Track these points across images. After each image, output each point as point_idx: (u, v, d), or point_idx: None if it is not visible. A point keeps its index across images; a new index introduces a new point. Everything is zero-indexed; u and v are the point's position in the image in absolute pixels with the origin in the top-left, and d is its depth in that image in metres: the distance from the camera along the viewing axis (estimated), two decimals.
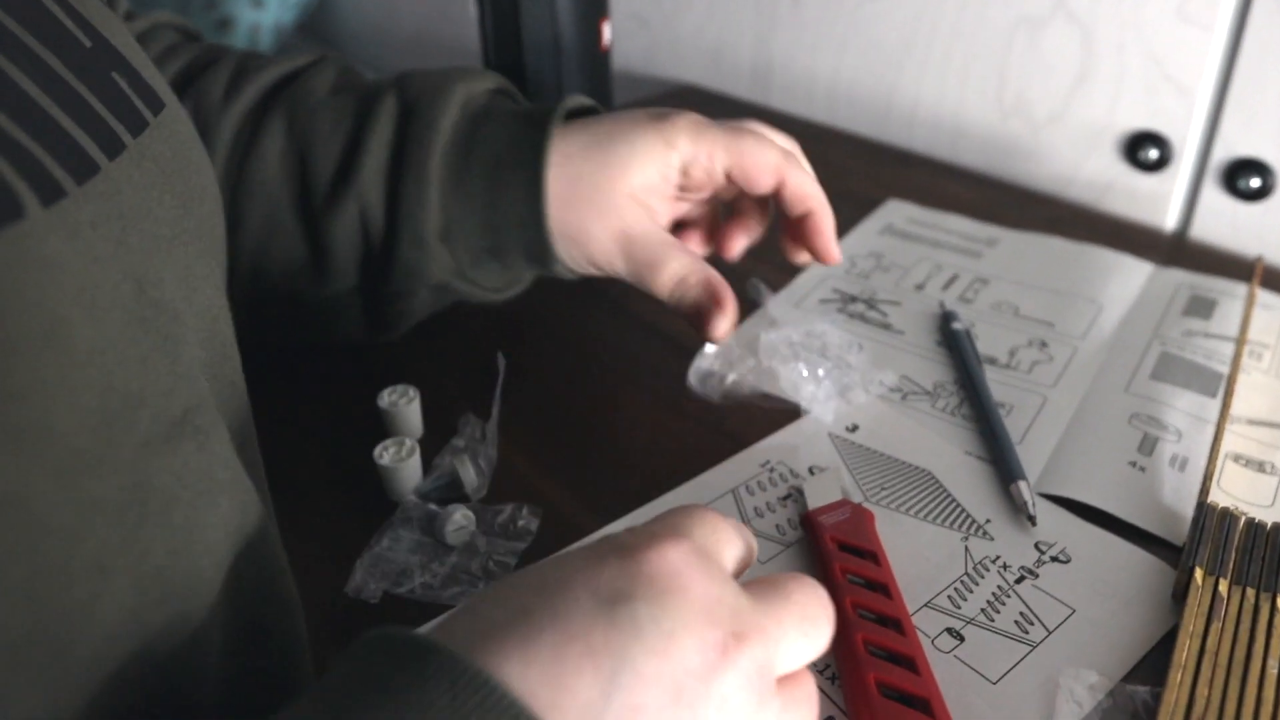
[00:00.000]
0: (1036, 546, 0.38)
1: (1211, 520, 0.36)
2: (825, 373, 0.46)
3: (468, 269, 0.44)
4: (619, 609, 0.22)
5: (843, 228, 0.63)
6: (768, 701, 0.23)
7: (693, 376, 0.47)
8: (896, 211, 0.65)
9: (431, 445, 0.45)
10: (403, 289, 0.45)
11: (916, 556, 0.38)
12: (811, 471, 0.42)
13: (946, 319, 0.51)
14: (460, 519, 0.38)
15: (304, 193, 0.43)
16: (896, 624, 0.34)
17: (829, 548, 0.37)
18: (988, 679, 0.33)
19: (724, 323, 0.42)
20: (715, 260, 0.46)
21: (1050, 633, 0.35)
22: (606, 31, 0.66)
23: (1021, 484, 0.40)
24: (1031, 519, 0.39)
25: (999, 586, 0.37)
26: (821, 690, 0.33)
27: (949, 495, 0.41)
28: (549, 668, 0.21)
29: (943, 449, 0.43)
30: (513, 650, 0.21)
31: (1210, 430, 0.44)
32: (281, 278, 0.44)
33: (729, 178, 0.43)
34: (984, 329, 0.52)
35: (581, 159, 0.42)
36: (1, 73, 0.22)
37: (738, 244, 0.48)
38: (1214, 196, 0.62)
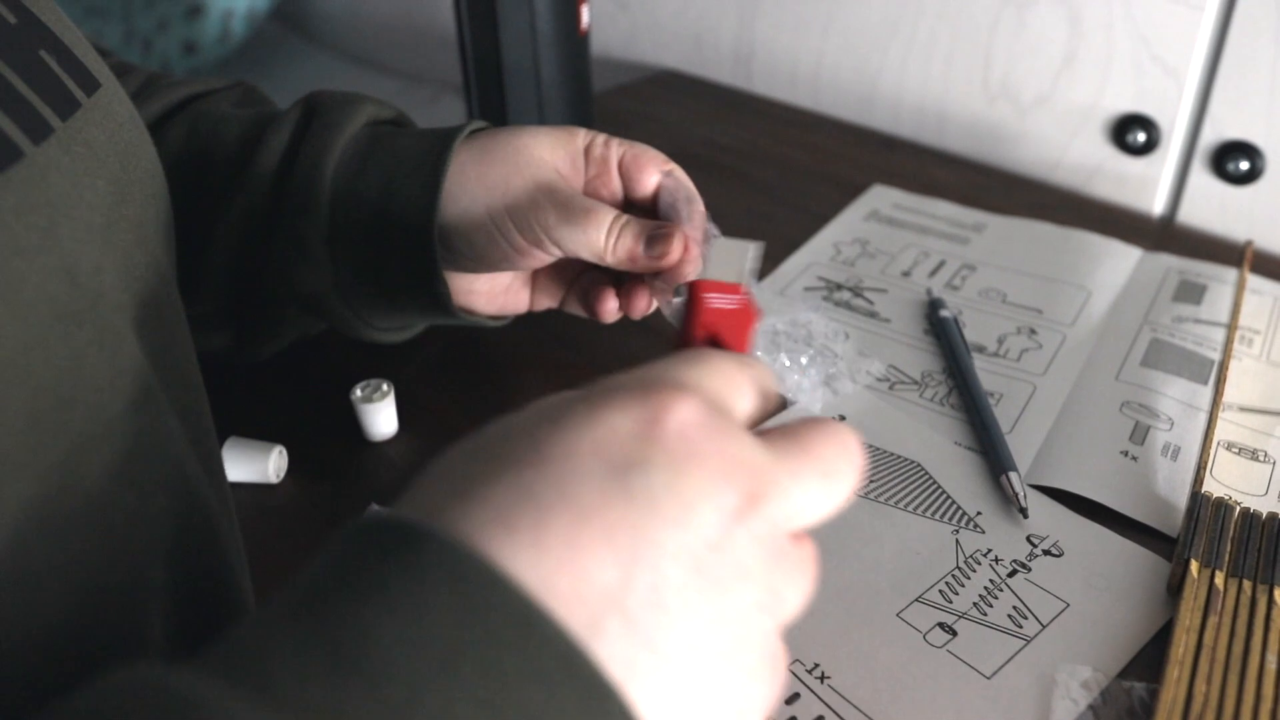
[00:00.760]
0: (1028, 539, 0.37)
1: (1206, 511, 0.36)
2: (810, 361, 0.45)
3: (347, 284, 0.41)
4: (633, 479, 0.20)
5: (828, 213, 0.62)
6: (783, 559, 0.22)
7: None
8: (882, 197, 0.63)
9: (405, 440, 0.43)
10: (273, 296, 0.42)
11: (907, 550, 0.37)
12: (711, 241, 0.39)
13: (934, 306, 0.50)
14: None
15: (195, 196, 0.41)
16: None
17: (696, 331, 0.31)
18: (982, 674, 0.32)
19: (674, 246, 0.37)
20: None
21: (1044, 627, 0.34)
22: (585, 14, 0.64)
23: (1012, 475, 0.39)
24: (1023, 511, 0.38)
25: (991, 580, 0.36)
26: (811, 691, 0.32)
27: (939, 487, 0.40)
28: (564, 554, 0.18)
29: (932, 440, 0.42)
30: (524, 539, 0.18)
31: (1202, 418, 0.43)
32: None
33: (623, 170, 0.41)
34: (972, 316, 0.51)
35: (487, 140, 0.40)
36: None
37: (641, 301, 0.42)
38: (1202, 179, 0.61)
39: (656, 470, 0.20)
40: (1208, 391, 0.44)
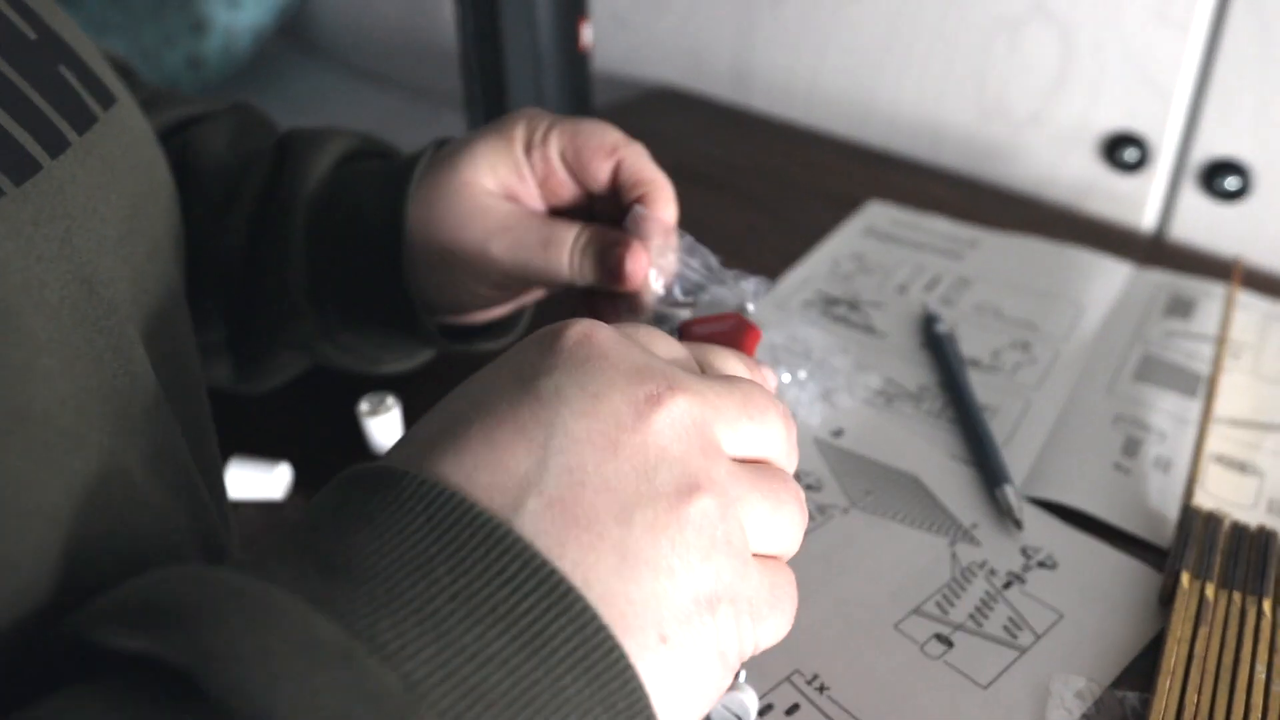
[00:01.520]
0: (1023, 551, 0.38)
1: (1196, 524, 0.36)
2: (809, 375, 0.46)
3: (335, 331, 0.41)
4: (541, 383, 0.22)
5: (823, 229, 0.63)
6: (707, 447, 0.22)
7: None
8: (878, 213, 0.64)
9: None
10: (265, 348, 0.42)
11: (903, 562, 0.37)
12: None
13: (929, 321, 0.51)
14: None
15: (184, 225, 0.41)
16: None
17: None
18: (978, 684, 0.33)
19: (637, 260, 0.36)
20: None
21: (1039, 638, 0.34)
22: (586, 33, 0.65)
23: (1007, 488, 0.40)
24: (1017, 524, 0.39)
25: (987, 592, 0.36)
26: (810, 701, 0.32)
27: (935, 500, 0.41)
28: (481, 453, 0.21)
29: (928, 453, 0.43)
30: (446, 449, 0.21)
31: (1192, 431, 0.44)
32: None
33: (567, 166, 0.38)
34: (967, 331, 0.52)
35: (431, 186, 0.38)
36: None
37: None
38: (1193, 197, 0.62)
39: (561, 373, 0.22)
40: (1197, 405, 0.45)
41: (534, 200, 0.39)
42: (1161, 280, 0.55)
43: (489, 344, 0.43)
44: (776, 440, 0.24)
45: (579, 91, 0.66)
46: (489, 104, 0.65)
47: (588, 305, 0.39)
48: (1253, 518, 0.39)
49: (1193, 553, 0.35)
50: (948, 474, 0.42)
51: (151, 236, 0.30)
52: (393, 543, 0.19)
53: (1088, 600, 0.36)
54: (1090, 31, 0.63)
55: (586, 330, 0.23)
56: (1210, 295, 0.53)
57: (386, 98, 1.28)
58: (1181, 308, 0.53)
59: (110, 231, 0.26)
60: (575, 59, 0.65)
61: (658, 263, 0.37)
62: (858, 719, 0.32)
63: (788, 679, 0.33)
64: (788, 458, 0.25)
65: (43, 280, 0.22)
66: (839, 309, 0.54)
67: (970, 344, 0.51)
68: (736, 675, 0.32)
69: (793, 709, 0.32)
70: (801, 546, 0.33)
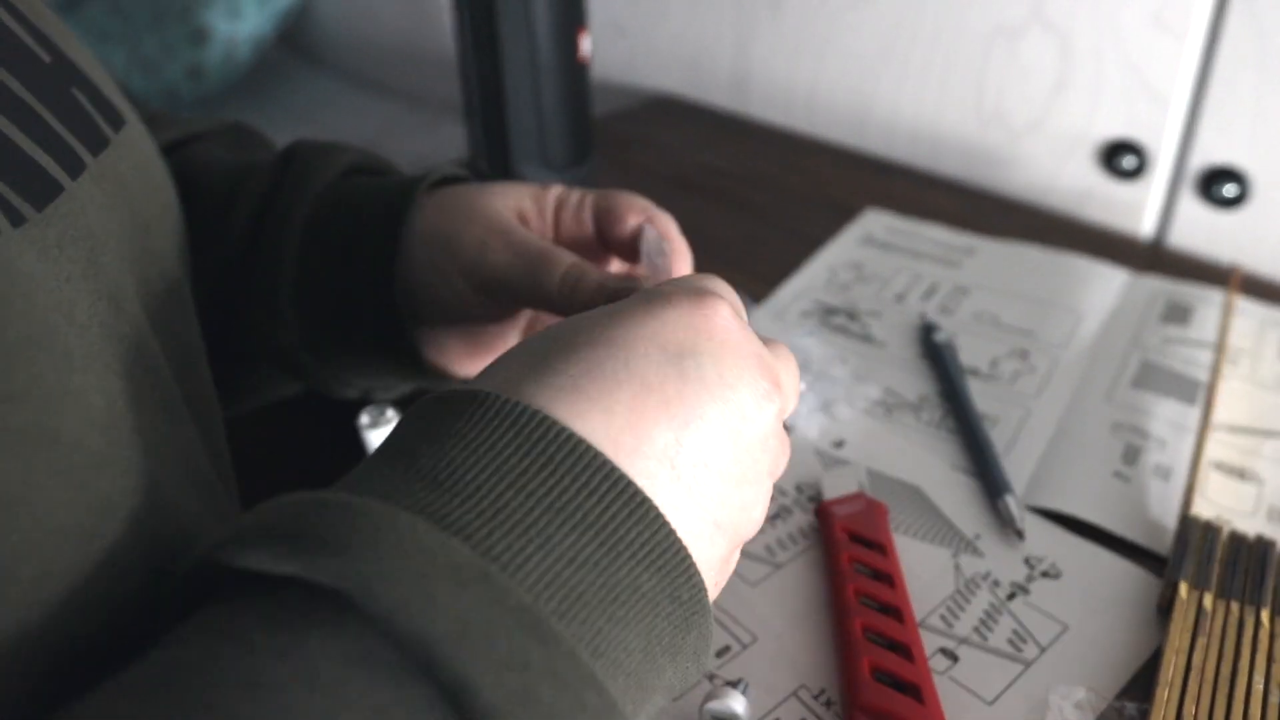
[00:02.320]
0: (1026, 561, 0.38)
1: (1194, 534, 0.37)
2: (808, 387, 0.46)
3: (315, 340, 0.40)
4: (686, 362, 0.24)
5: (822, 237, 0.63)
6: (781, 435, 0.27)
7: None
8: (875, 221, 0.65)
9: None
10: (247, 352, 0.41)
11: (908, 575, 0.38)
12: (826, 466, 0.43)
13: (928, 330, 0.51)
14: None
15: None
16: (897, 613, 0.34)
17: (839, 537, 0.38)
18: (984, 699, 0.33)
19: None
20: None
21: (1043, 650, 0.35)
22: (585, 43, 0.65)
23: (1009, 498, 0.40)
24: (1020, 534, 0.39)
25: (991, 604, 0.37)
26: (817, 717, 0.32)
27: (937, 511, 0.41)
28: (629, 418, 0.23)
29: (929, 464, 0.43)
30: (595, 404, 0.23)
31: (1191, 438, 0.44)
32: None
33: (598, 219, 0.39)
34: (965, 339, 0.52)
35: (452, 194, 0.38)
36: None
37: None
38: (1191, 204, 0.63)
39: (706, 356, 0.25)
40: (1196, 412, 0.45)
41: (545, 234, 0.39)
42: (1159, 287, 0.55)
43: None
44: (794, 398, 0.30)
45: (578, 101, 0.66)
46: (487, 113, 0.65)
47: None
48: (1252, 524, 0.39)
49: (1191, 563, 0.35)
50: (949, 485, 0.42)
51: (162, 254, 0.30)
52: (493, 461, 0.22)
53: (1091, 611, 0.36)
54: (1088, 40, 0.63)
55: (721, 315, 0.26)
56: (1208, 302, 0.54)
57: (386, 106, 1.28)
58: (1179, 314, 0.53)
59: (126, 249, 0.27)
60: (574, 69, 0.65)
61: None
62: None
63: (794, 694, 0.33)
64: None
65: (72, 300, 0.22)
66: (837, 318, 0.54)
67: (969, 353, 0.51)
68: (735, 684, 0.32)
69: None
70: (804, 560, 0.34)
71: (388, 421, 0.44)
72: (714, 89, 0.89)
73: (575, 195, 0.39)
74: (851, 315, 0.54)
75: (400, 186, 0.39)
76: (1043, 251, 0.60)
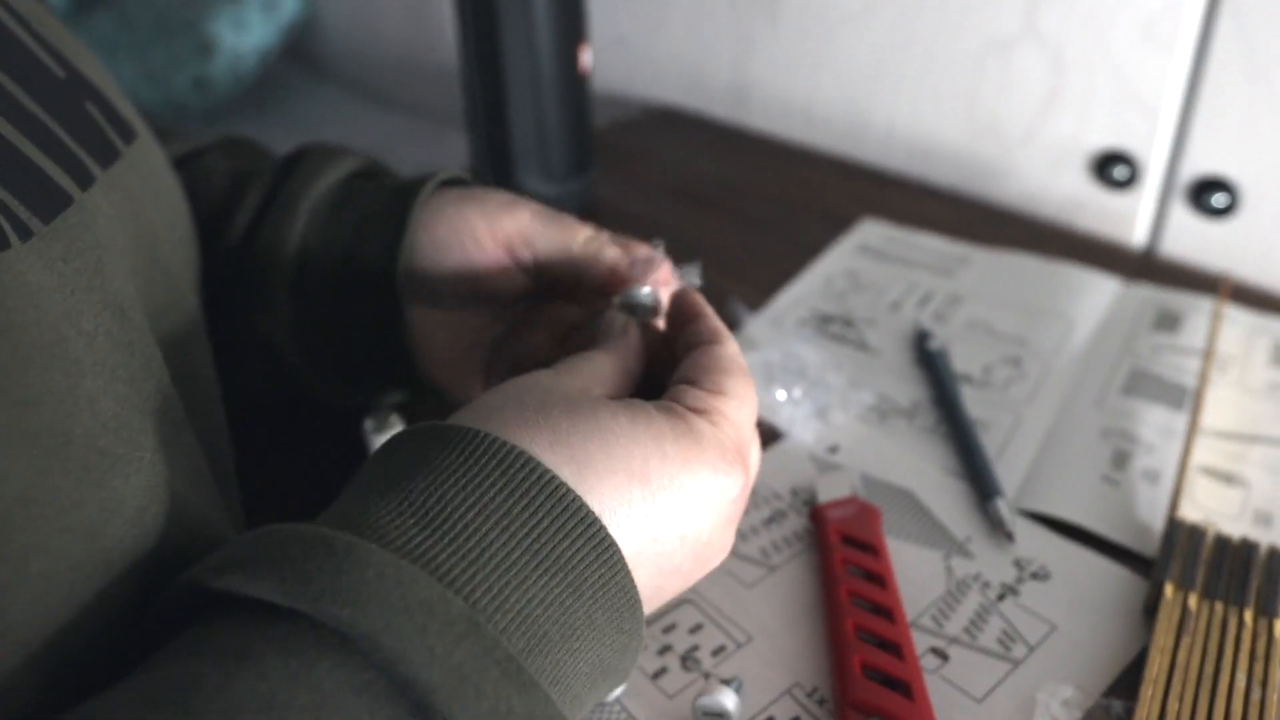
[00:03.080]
0: (1016, 563, 0.39)
1: (1181, 536, 0.37)
2: (803, 393, 0.47)
3: (306, 334, 0.41)
4: (708, 534, 0.28)
5: (819, 246, 0.64)
6: (746, 494, 0.30)
7: None
8: (871, 230, 0.66)
9: None
10: (232, 347, 0.41)
11: (899, 576, 0.38)
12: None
13: (922, 338, 0.52)
14: None
15: None
16: (888, 613, 0.35)
17: (832, 539, 0.38)
18: (973, 697, 0.34)
19: (663, 268, 0.38)
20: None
21: (1032, 650, 0.35)
22: (586, 56, 0.67)
23: (999, 501, 0.41)
24: (1009, 536, 0.40)
25: (980, 604, 0.37)
26: (810, 714, 0.33)
27: (929, 514, 0.42)
28: (609, 479, 0.26)
29: (921, 468, 0.44)
30: (581, 464, 0.26)
31: (1179, 444, 0.45)
32: None
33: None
34: (958, 347, 0.53)
35: (472, 188, 0.41)
36: None
37: None
38: (1181, 214, 0.63)
39: (718, 530, 0.29)
40: (1185, 418, 0.46)
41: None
42: (1150, 295, 0.56)
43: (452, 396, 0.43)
44: None
45: (578, 113, 0.68)
46: (489, 125, 0.66)
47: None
48: (1238, 528, 0.40)
49: (1177, 564, 0.36)
50: (941, 488, 0.43)
51: (170, 263, 0.31)
52: (479, 500, 0.24)
53: (1079, 611, 0.37)
54: (1079, 53, 0.64)
55: (742, 488, 0.29)
56: (1198, 310, 0.55)
57: (389, 117, 1.30)
58: (1169, 322, 0.54)
59: (132, 260, 0.27)
60: (575, 81, 0.66)
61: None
62: None
63: (788, 692, 0.34)
64: None
65: (79, 310, 0.23)
66: (833, 326, 0.55)
67: (962, 360, 0.52)
68: (729, 682, 0.33)
69: None
70: (799, 563, 0.35)
71: (392, 427, 0.45)
72: (713, 100, 0.90)
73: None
74: (847, 323, 0.55)
75: (414, 179, 0.40)
76: (1036, 260, 0.61)
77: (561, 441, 0.26)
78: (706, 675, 0.34)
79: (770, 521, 0.41)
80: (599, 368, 0.31)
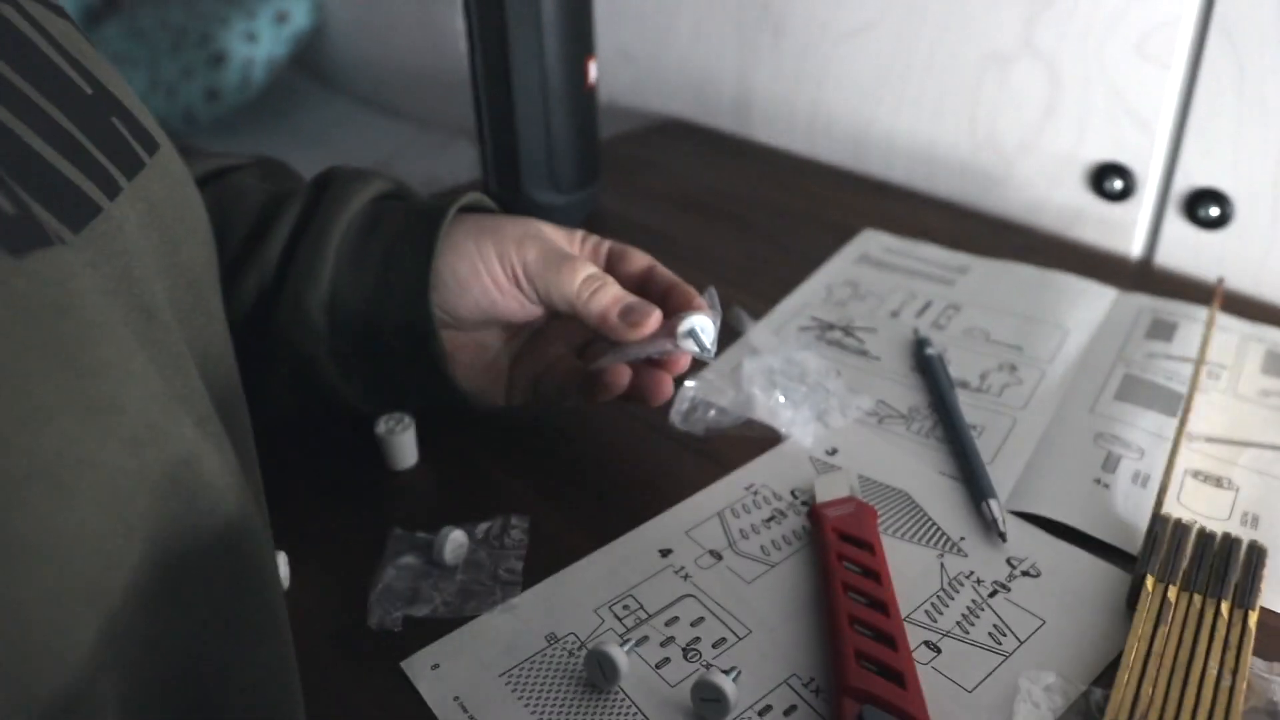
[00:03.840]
0: (1008, 561, 0.40)
1: (1164, 532, 0.39)
2: (803, 398, 0.49)
3: (341, 350, 0.44)
4: None
5: (821, 256, 0.65)
6: None
7: (674, 416, 0.48)
8: (872, 240, 0.67)
9: (425, 470, 0.47)
10: (267, 363, 0.44)
11: (895, 574, 0.40)
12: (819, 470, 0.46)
13: (920, 345, 0.54)
14: (458, 538, 0.40)
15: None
16: (883, 606, 0.36)
17: (830, 536, 0.40)
18: (964, 688, 0.35)
19: (649, 323, 0.40)
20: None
21: (1022, 643, 0.37)
22: (592, 69, 0.68)
23: (992, 502, 0.42)
24: (1002, 535, 0.41)
25: (973, 600, 0.39)
26: (806, 703, 0.34)
27: (924, 514, 0.43)
28: None
29: (918, 470, 0.45)
30: None
31: (1169, 448, 0.46)
32: None
33: (609, 259, 0.45)
34: (956, 354, 0.54)
35: (489, 215, 0.44)
36: (7, 127, 0.24)
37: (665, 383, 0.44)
38: (1176, 225, 0.65)
39: None
40: (1175, 423, 0.47)
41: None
42: (1145, 304, 0.58)
43: (475, 409, 0.45)
44: None
45: (585, 125, 0.69)
46: (498, 137, 0.68)
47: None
48: (1227, 528, 0.41)
49: (1158, 558, 0.37)
50: (937, 490, 0.44)
51: (192, 267, 0.32)
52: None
53: (1068, 606, 0.38)
54: (1075, 67, 0.66)
55: None
56: (1191, 318, 0.56)
57: (399, 127, 1.32)
58: (1164, 330, 0.55)
59: (158, 264, 0.29)
60: (582, 94, 0.68)
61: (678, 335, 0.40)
62: None
63: (785, 682, 0.35)
64: None
65: (109, 310, 0.25)
66: (834, 334, 0.56)
67: (959, 367, 0.53)
68: (728, 672, 0.34)
69: (790, 710, 0.34)
70: (797, 560, 0.36)
71: (405, 428, 0.46)
72: (718, 113, 0.91)
73: (594, 238, 0.45)
74: (847, 331, 0.57)
75: (437, 202, 0.44)
76: (1033, 270, 0.62)
77: None
78: (707, 666, 0.36)
79: (770, 521, 0.43)
80: None
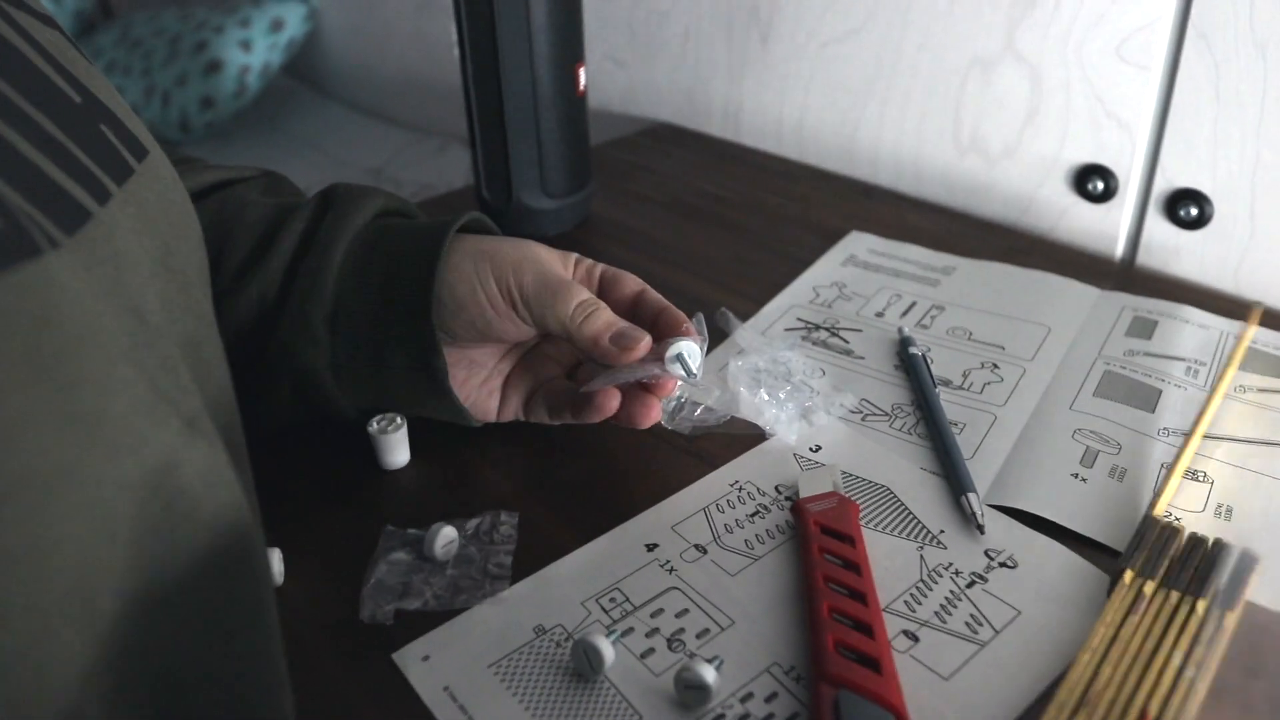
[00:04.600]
0: (986, 554, 0.41)
1: (1152, 532, 0.39)
2: (787, 396, 0.49)
3: (342, 363, 0.45)
4: None
5: (808, 259, 0.66)
6: None
7: (660, 414, 0.49)
8: (858, 242, 0.68)
9: (416, 468, 0.47)
10: (269, 374, 0.45)
11: (875, 565, 0.41)
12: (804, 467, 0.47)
13: (904, 344, 0.55)
14: (448, 534, 0.41)
15: (214, 276, 0.43)
16: (862, 597, 0.37)
17: (811, 529, 0.41)
18: (940, 675, 0.36)
19: (639, 348, 0.41)
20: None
21: (998, 633, 0.37)
22: (582, 76, 0.69)
23: (971, 496, 0.43)
24: (980, 528, 0.42)
25: (951, 591, 0.39)
26: (787, 690, 0.35)
27: (905, 508, 0.44)
28: None
29: (900, 465, 0.46)
30: None
31: (1147, 443, 0.47)
32: None
33: (602, 280, 0.46)
34: (939, 353, 0.55)
35: (487, 237, 0.45)
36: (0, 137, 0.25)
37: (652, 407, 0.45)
38: (1157, 225, 0.66)
39: None
40: (1153, 418, 0.48)
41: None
42: (1125, 302, 0.59)
43: (467, 421, 0.46)
44: None
45: (576, 132, 0.70)
46: (489, 143, 0.69)
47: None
48: (1201, 521, 0.42)
49: (1141, 555, 0.38)
50: (918, 484, 0.45)
51: (183, 271, 0.33)
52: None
53: (1044, 598, 0.39)
54: (1057, 72, 0.67)
55: None
56: (1170, 316, 0.57)
57: (393, 134, 1.33)
58: (1143, 328, 0.56)
59: (148, 268, 0.30)
60: (572, 101, 0.69)
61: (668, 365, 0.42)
62: None
63: (766, 670, 0.36)
64: None
65: (100, 313, 0.25)
66: (819, 334, 0.57)
67: (942, 365, 0.54)
68: (710, 661, 0.35)
69: (771, 697, 0.35)
70: (780, 553, 0.36)
71: (397, 428, 0.47)
72: (708, 119, 0.93)
73: (587, 261, 0.47)
74: (833, 331, 0.58)
75: (439, 221, 0.45)
76: (1016, 270, 0.63)
77: None
78: (691, 655, 0.37)
79: (754, 516, 0.44)
80: None
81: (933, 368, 0.53)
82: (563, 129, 0.69)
